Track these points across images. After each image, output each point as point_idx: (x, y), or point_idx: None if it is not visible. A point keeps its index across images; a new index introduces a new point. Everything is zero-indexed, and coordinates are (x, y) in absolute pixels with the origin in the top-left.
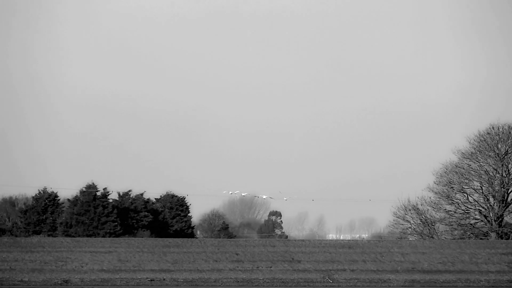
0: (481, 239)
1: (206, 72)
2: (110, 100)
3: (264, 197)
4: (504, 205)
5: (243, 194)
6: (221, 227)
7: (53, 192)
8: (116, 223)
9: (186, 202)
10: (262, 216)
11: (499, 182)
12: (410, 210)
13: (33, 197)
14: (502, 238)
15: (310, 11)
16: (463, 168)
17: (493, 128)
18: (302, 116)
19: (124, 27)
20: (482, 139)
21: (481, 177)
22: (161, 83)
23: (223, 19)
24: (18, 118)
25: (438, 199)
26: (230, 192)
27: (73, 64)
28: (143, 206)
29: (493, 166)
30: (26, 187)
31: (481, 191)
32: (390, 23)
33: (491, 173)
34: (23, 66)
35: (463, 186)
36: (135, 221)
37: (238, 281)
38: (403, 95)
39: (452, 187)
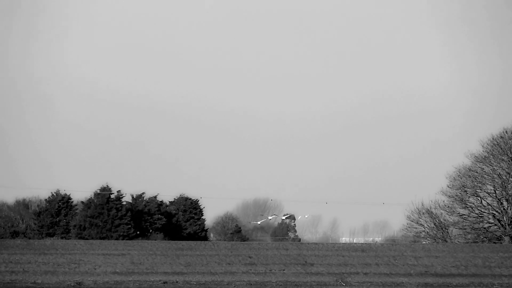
0: (494, 243)
1: (221, 69)
2: (124, 100)
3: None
4: None
5: (282, 218)
6: (234, 230)
7: (66, 194)
8: (130, 226)
9: (200, 205)
10: (276, 219)
11: None
12: (423, 213)
13: (46, 199)
14: None
15: (313, 10)
16: (477, 172)
17: (506, 132)
18: (316, 115)
19: (136, 21)
20: (496, 142)
21: (494, 180)
22: (175, 80)
23: (238, 16)
24: (31, 121)
25: (451, 202)
26: (269, 218)
27: (83, 62)
28: (157, 209)
29: (507, 169)
30: (39, 189)
31: (494, 195)
32: (404, 29)
33: (504, 177)
34: (31, 67)
35: (477, 190)
36: (148, 224)
37: (251, 284)
38: (417, 100)
39: (465, 191)
